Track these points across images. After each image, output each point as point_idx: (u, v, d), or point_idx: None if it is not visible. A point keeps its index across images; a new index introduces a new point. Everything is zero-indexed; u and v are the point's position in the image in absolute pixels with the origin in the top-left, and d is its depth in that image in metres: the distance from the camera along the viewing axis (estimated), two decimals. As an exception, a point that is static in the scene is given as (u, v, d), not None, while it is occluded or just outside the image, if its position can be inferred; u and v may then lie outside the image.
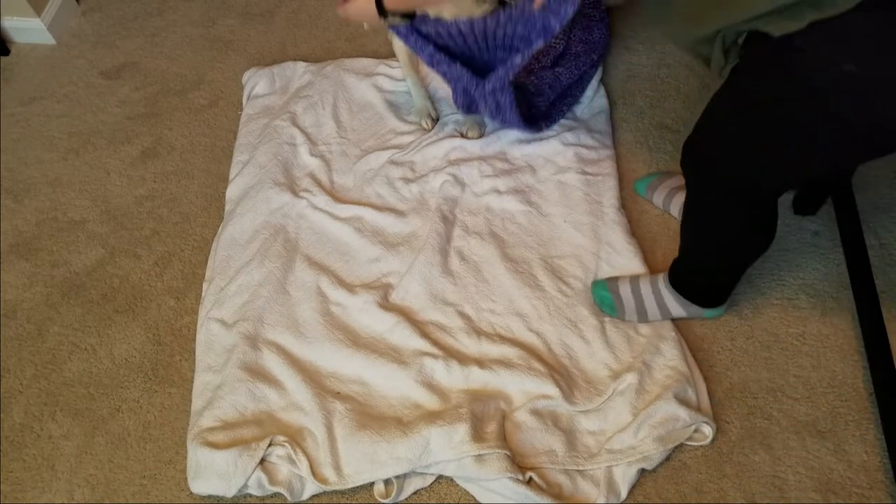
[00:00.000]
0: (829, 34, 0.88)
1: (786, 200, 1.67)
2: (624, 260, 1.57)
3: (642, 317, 1.45)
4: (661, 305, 1.43)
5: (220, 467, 1.30)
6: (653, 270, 1.55)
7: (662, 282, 1.43)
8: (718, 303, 1.44)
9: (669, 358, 1.41)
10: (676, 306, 1.43)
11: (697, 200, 1.28)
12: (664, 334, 1.44)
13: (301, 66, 2.04)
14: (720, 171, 1.15)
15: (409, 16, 1.38)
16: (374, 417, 1.37)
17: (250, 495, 1.33)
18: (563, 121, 1.80)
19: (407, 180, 1.74)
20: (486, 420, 1.33)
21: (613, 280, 1.49)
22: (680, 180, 1.65)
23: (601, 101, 1.88)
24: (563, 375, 1.40)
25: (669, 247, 1.62)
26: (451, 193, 1.70)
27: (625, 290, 1.46)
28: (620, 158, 1.77)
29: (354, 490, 1.33)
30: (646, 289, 1.44)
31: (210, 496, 1.34)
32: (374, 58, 2.05)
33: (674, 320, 1.47)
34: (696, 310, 1.43)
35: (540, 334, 1.47)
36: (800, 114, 0.98)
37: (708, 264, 1.37)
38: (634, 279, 1.47)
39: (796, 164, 1.07)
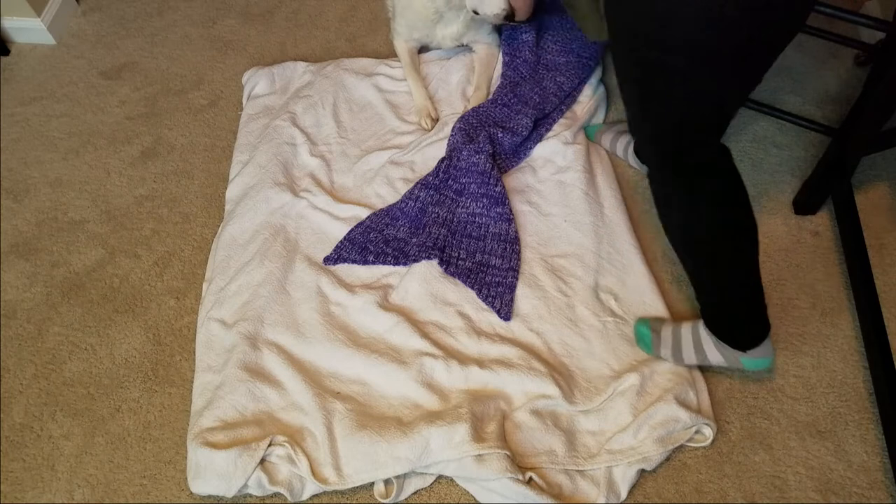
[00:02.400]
0: None
1: (786, 200, 1.67)
2: (625, 259, 1.57)
3: (677, 356, 1.39)
4: (698, 348, 1.36)
5: (220, 467, 1.30)
6: (652, 268, 1.56)
7: (702, 325, 1.35)
8: (751, 341, 1.31)
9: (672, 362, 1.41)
10: (713, 350, 1.34)
11: (660, 201, 1.27)
12: (664, 334, 1.44)
13: (301, 66, 2.04)
14: (652, 143, 1.17)
15: None
16: (374, 417, 1.37)
17: (250, 495, 1.33)
18: (562, 120, 1.80)
19: (407, 180, 1.74)
20: (486, 420, 1.33)
21: (658, 320, 1.45)
22: (626, 126, 1.76)
23: (601, 99, 1.88)
24: (563, 375, 1.40)
25: (669, 246, 1.62)
26: (451, 193, 1.71)
27: (666, 331, 1.41)
28: (620, 158, 1.78)
29: (354, 490, 1.33)
30: (685, 331, 1.39)
31: (210, 496, 1.34)
32: (374, 58, 2.05)
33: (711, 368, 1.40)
34: (731, 354, 1.32)
35: (540, 334, 1.47)
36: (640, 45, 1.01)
37: (705, 273, 1.30)
38: (678, 323, 1.42)
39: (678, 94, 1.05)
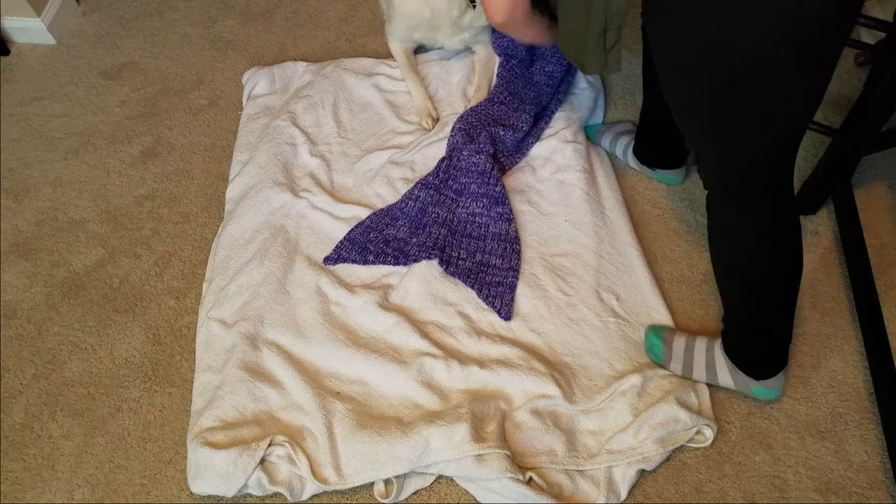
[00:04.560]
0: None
1: (786, 200, 1.67)
2: (625, 259, 1.57)
3: (687, 372, 1.38)
4: (710, 368, 1.36)
5: (220, 467, 1.30)
6: (653, 268, 1.56)
7: (718, 346, 1.35)
8: (766, 373, 1.33)
9: (670, 360, 1.41)
10: (725, 373, 1.35)
11: (716, 228, 1.23)
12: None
13: (301, 66, 2.04)
14: (725, 175, 1.12)
15: None
16: (374, 417, 1.37)
17: (250, 495, 1.33)
18: (561, 118, 1.80)
19: (407, 180, 1.74)
20: (486, 420, 1.33)
21: (670, 331, 1.43)
22: (626, 127, 1.78)
23: (600, 99, 1.88)
24: (563, 374, 1.40)
25: (669, 246, 1.62)
26: (451, 193, 1.71)
27: (678, 344, 1.40)
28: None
29: (354, 490, 1.33)
30: (699, 348, 1.38)
31: (210, 496, 1.34)
32: (374, 58, 2.05)
33: (717, 387, 1.39)
34: (743, 380, 1.34)
35: (541, 334, 1.47)
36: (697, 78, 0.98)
37: (742, 306, 1.27)
38: (692, 336, 1.40)
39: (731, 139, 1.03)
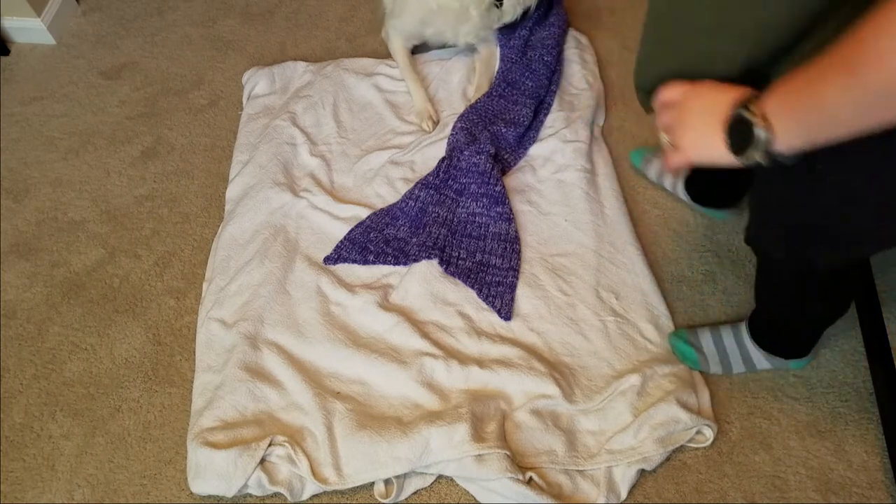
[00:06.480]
0: None
1: (786, 200, 1.67)
2: (625, 258, 1.57)
3: (726, 369, 1.40)
4: (746, 358, 1.39)
5: (220, 467, 1.30)
6: (654, 268, 1.56)
7: (746, 334, 1.38)
8: (802, 354, 1.39)
9: (674, 364, 1.41)
10: (761, 359, 1.38)
11: (765, 271, 1.24)
12: (665, 336, 1.44)
13: (301, 66, 2.04)
14: (777, 253, 1.10)
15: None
16: (374, 417, 1.37)
17: (250, 495, 1.33)
18: (561, 118, 1.80)
19: (407, 180, 1.74)
20: (486, 420, 1.33)
21: (692, 332, 1.43)
22: None
23: (600, 99, 1.88)
24: (563, 374, 1.40)
25: (670, 246, 1.62)
26: (451, 193, 1.71)
27: (707, 343, 1.41)
28: (620, 157, 1.77)
29: (354, 490, 1.33)
30: (729, 341, 1.40)
31: (210, 496, 1.33)
32: (374, 58, 2.05)
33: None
34: (780, 362, 1.38)
35: (541, 334, 1.47)
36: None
37: (783, 323, 1.32)
38: (715, 330, 1.41)
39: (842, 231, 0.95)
